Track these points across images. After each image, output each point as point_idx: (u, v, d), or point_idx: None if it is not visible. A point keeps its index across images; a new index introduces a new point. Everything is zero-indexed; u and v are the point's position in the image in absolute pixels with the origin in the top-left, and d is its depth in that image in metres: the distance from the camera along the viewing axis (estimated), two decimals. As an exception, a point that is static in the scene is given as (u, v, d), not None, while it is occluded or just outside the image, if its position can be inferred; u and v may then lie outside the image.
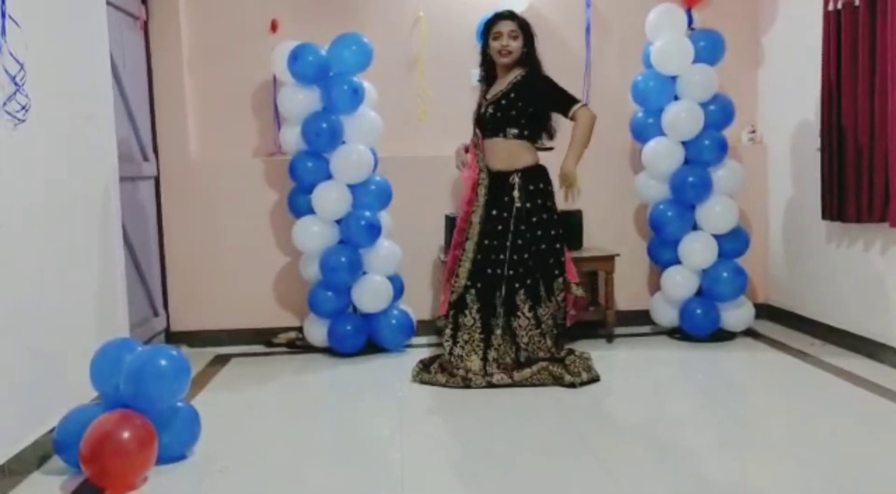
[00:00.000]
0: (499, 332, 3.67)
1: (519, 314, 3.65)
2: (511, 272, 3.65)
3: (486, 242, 3.70)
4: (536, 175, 3.73)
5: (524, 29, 3.71)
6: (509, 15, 3.75)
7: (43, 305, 2.89)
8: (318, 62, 4.19)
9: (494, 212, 3.70)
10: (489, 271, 3.68)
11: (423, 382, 3.72)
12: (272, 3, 4.69)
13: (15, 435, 2.68)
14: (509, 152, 3.71)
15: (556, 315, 3.73)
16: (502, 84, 3.75)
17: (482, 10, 4.68)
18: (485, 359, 3.66)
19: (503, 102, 3.70)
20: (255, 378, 4.00)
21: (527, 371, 3.60)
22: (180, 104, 4.64)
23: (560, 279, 3.73)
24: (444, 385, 3.65)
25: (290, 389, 3.87)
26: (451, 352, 3.70)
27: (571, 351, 3.85)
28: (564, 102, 3.73)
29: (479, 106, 3.83)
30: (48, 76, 2.94)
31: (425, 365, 3.84)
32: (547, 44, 4.79)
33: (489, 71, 3.84)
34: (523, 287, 3.65)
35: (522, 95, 3.68)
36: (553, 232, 3.72)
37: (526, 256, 3.65)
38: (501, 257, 3.66)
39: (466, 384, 3.61)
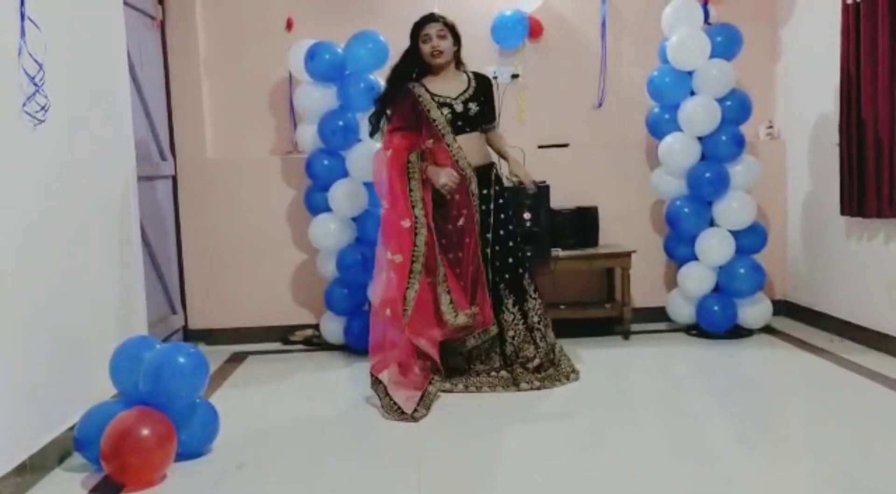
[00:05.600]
0: (510, 327, 3.66)
1: (503, 308, 3.66)
2: (511, 260, 3.68)
3: (493, 234, 3.69)
4: (495, 172, 3.77)
5: (452, 30, 3.71)
6: (433, 17, 3.73)
7: (62, 303, 2.92)
8: (335, 60, 4.20)
9: (483, 207, 3.68)
10: (506, 259, 3.69)
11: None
12: (288, 2, 4.70)
13: (36, 433, 2.71)
14: (480, 147, 3.75)
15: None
16: (458, 82, 3.72)
17: (497, 8, 4.70)
18: (503, 355, 3.64)
19: (477, 98, 3.71)
20: (272, 376, 4.03)
21: (535, 383, 3.58)
22: (197, 103, 4.67)
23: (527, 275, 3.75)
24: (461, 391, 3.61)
25: (307, 386, 3.89)
26: (469, 356, 3.67)
27: (553, 356, 3.74)
28: (493, 114, 3.80)
29: (446, 105, 3.63)
30: (67, 77, 2.97)
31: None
32: (562, 40, 4.82)
33: (420, 72, 3.73)
34: (502, 281, 3.67)
35: (484, 93, 3.74)
36: (517, 229, 3.80)
37: (504, 250, 3.67)
38: (510, 244, 3.69)
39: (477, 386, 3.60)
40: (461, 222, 3.63)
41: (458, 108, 3.68)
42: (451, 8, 4.72)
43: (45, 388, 2.78)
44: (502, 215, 3.70)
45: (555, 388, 3.56)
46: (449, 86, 3.71)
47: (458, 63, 3.79)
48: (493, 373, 3.63)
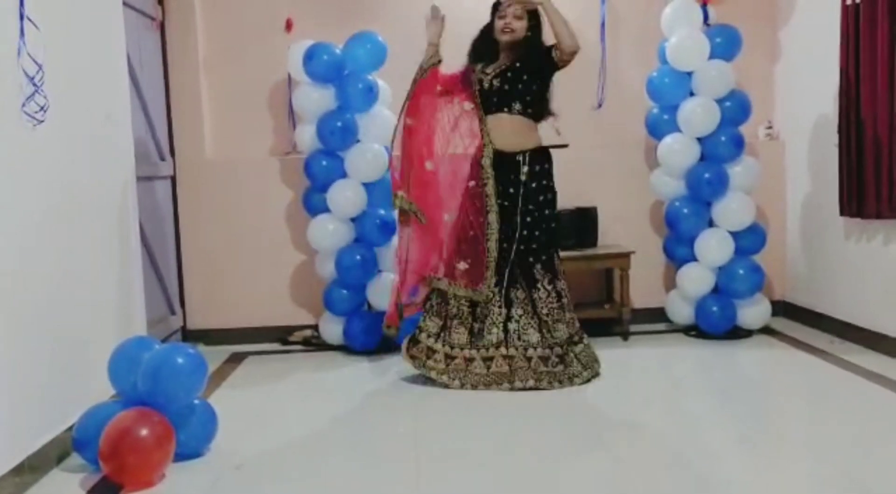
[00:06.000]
0: (518, 305, 3.65)
1: (539, 286, 3.64)
2: (522, 247, 3.65)
3: (506, 220, 3.68)
4: (541, 156, 3.73)
5: (531, 14, 3.69)
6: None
7: (61, 304, 2.92)
8: (333, 61, 4.20)
9: (502, 188, 3.68)
10: (504, 245, 3.66)
11: (418, 367, 3.71)
12: (287, 3, 4.70)
13: (34, 432, 2.71)
14: (514, 129, 3.68)
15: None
16: (506, 60, 3.71)
17: (496, 8, 4.69)
18: (506, 331, 3.63)
19: (509, 74, 3.67)
20: (270, 376, 4.03)
21: (530, 381, 3.57)
22: (196, 104, 4.67)
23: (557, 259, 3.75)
24: (443, 380, 3.65)
25: (305, 387, 3.89)
26: (471, 329, 3.67)
27: (582, 338, 3.75)
28: (530, 92, 3.67)
29: (480, 81, 3.72)
30: (66, 77, 2.97)
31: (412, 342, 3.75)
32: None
33: (488, 50, 3.77)
34: (539, 262, 3.65)
35: (528, 68, 3.66)
36: (554, 213, 3.76)
37: (537, 233, 3.66)
38: (514, 234, 3.65)
39: (470, 380, 3.60)
40: (482, 189, 3.67)
41: (486, 84, 3.68)
42: (449, 9, 4.74)
43: (44, 388, 2.78)
44: (531, 206, 3.65)
45: (553, 389, 3.55)
46: (504, 60, 3.70)
47: (528, 45, 3.68)
48: (489, 361, 3.60)
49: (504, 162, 3.68)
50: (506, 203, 3.67)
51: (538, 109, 3.73)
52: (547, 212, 3.71)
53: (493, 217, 3.66)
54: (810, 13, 4.56)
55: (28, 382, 2.68)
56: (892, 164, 3.73)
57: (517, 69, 3.66)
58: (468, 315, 3.69)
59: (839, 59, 4.07)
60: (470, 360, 3.63)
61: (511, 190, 3.66)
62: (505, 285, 3.66)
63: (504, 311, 3.66)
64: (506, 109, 3.68)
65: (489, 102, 3.70)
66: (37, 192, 2.77)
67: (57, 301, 2.89)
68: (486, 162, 3.67)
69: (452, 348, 3.67)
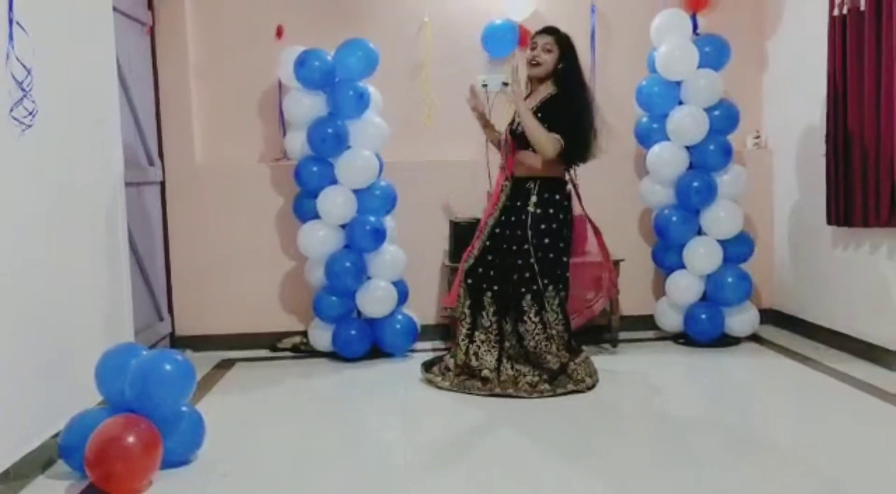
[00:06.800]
0: (507, 337, 3.71)
1: (525, 319, 3.64)
2: (516, 277, 3.65)
3: (504, 246, 3.69)
4: (553, 185, 3.70)
5: (562, 45, 3.68)
6: (550, 29, 3.73)
7: (48, 309, 2.90)
8: (324, 68, 4.20)
9: (513, 218, 3.70)
10: (512, 274, 3.67)
11: (429, 381, 3.78)
12: (277, 9, 4.70)
13: (20, 439, 2.69)
14: (532, 165, 3.69)
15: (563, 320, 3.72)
16: (533, 100, 3.71)
17: (487, 17, 4.71)
18: (499, 359, 3.67)
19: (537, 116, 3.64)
20: (259, 383, 4.01)
21: (527, 387, 3.59)
22: (186, 109, 4.66)
23: (563, 294, 3.72)
24: (447, 388, 3.68)
25: (294, 394, 3.87)
26: (468, 351, 3.71)
27: (579, 353, 3.78)
28: (557, 128, 3.60)
29: (512, 121, 3.77)
30: (55, 82, 2.96)
31: (427, 366, 3.89)
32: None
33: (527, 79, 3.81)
34: (529, 292, 3.65)
35: (548, 116, 3.62)
36: (561, 244, 3.69)
37: (532, 260, 3.64)
38: (519, 261, 3.64)
39: (468, 389, 3.63)
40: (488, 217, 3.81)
41: (516, 126, 3.72)
42: (441, 17, 4.77)
43: (30, 394, 2.76)
44: (530, 232, 3.61)
45: (544, 397, 3.55)
46: (529, 102, 3.70)
47: (557, 79, 3.67)
48: (486, 382, 3.62)
49: (516, 189, 3.71)
50: (518, 232, 3.65)
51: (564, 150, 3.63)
52: (547, 241, 3.64)
53: (478, 244, 3.75)
54: (798, 24, 4.60)
55: (13, 388, 2.66)
56: (879, 173, 3.76)
57: (539, 118, 3.61)
58: (465, 337, 3.75)
59: (826, 68, 4.11)
60: (469, 375, 3.68)
61: (520, 217, 3.66)
62: (498, 315, 3.70)
63: (498, 339, 3.70)
64: (531, 149, 3.66)
65: (516, 141, 3.73)
66: (25, 197, 2.76)
67: (44, 307, 2.87)
68: (503, 194, 3.73)
69: (457, 366, 3.76)
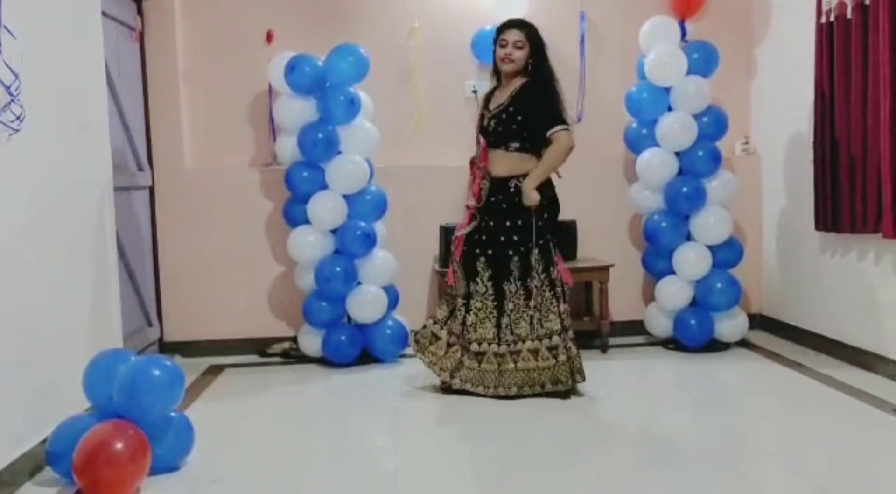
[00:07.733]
0: (511, 298, 3.64)
1: (533, 274, 3.62)
2: (517, 237, 3.63)
3: (498, 213, 3.66)
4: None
5: (532, 39, 3.65)
6: (518, 23, 3.70)
7: (35, 314, 2.88)
8: (315, 73, 4.20)
9: (502, 195, 3.67)
10: (502, 238, 3.64)
11: (419, 349, 3.78)
12: (267, 14, 4.70)
13: (7, 446, 2.67)
14: (510, 164, 3.67)
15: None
16: (504, 95, 3.70)
17: (477, 22, 4.72)
18: (498, 326, 3.64)
19: (503, 115, 3.65)
20: (248, 389, 3.99)
21: (514, 388, 3.60)
22: (175, 114, 4.64)
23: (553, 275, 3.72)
24: (431, 363, 3.73)
25: (284, 399, 3.86)
26: (464, 321, 3.69)
27: (573, 344, 3.70)
28: (548, 121, 3.61)
29: (482, 117, 3.77)
30: (43, 86, 2.94)
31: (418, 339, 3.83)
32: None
33: (497, 75, 3.80)
34: (536, 247, 3.62)
35: (521, 108, 3.62)
36: (556, 211, 3.73)
37: (533, 219, 3.62)
38: (520, 222, 3.62)
39: (457, 370, 3.65)
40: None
41: (487, 123, 3.71)
42: (431, 23, 4.78)
43: (17, 400, 2.74)
44: (517, 199, 3.61)
45: (534, 397, 3.56)
46: (500, 97, 3.71)
47: (528, 72, 3.66)
48: (481, 356, 3.61)
49: (497, 185, 3.68)
50: (506, 223, 3.64)
51: (536, 143, 3.66)
52: (545, 204, 3.63)
53: (472, 224, 3.73)
54: (786, 31, 4.64)
55: (0, 393, 2.63)
56: (867, 179, 3.79)
57: (511, 112, 3.63)
58: (462, 306, 3.71)
59: (814, 75, 4.14)
60: (465, 351, 3.66)
61: (505, 206, 3.65)
62: (493, 280, 3.65)
63: (496, 305, 3.65)
64: (503, 147, 3.67)
65: (489, 139, 3.71)
66: (12, 202, 2.74)
67: (31, 312, 2.85)
68: (483, 191, 3.70)
69: (451, 335, 3.72)
